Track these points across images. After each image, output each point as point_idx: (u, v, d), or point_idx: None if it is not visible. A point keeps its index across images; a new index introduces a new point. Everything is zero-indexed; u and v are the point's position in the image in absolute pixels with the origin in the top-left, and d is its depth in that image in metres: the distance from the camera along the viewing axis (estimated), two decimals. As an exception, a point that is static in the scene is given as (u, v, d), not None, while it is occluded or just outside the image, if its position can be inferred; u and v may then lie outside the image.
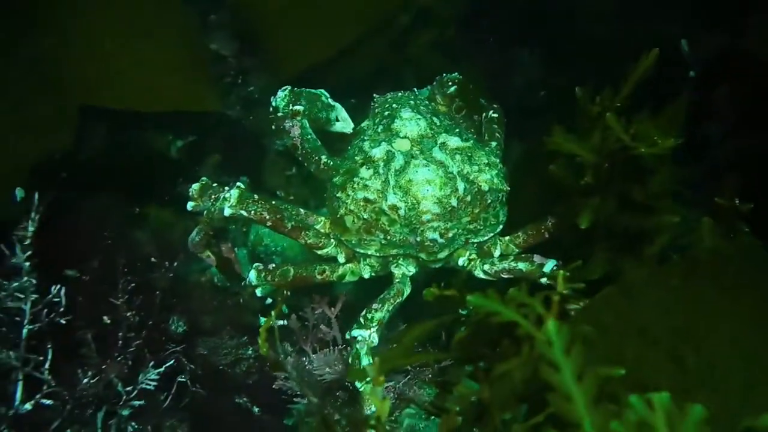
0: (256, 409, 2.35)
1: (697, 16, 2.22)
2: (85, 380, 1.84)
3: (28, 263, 1.85)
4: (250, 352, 2.42)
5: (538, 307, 1.10)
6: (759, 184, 1.72)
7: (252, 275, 2.19)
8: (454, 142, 2.13)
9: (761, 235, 1.60)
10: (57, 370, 1.86)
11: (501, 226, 2.23)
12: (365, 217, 2.11)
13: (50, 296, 1.84)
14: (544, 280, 2.05)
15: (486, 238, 2.20)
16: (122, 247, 1.99)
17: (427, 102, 2.29)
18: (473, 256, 2.22)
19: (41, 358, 1.86)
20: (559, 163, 1.79)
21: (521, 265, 2.14)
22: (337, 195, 2.16)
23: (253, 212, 2.15)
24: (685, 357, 1.32)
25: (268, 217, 2.16)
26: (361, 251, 2.21)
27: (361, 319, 2.09)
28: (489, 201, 2.13)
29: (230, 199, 2.14)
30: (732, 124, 1.92)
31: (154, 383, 2.06)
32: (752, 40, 1.98)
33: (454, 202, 2.07)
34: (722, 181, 1.66)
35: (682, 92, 1.90)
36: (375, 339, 2.07)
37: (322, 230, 2.25)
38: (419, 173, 2.06)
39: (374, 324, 2.08)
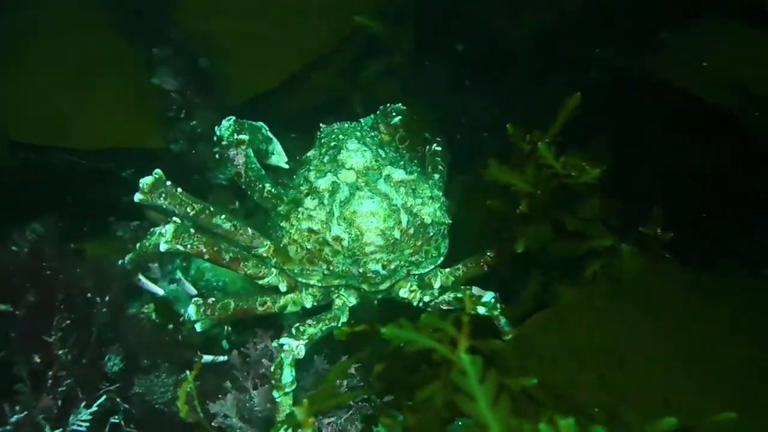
0: (193, 452, 2.26)
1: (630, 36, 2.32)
2: (14, 418, 1.75)
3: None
4: (188, 389, 2.34)
5: (451, 329, 1.12)
6: (681, 214, 1.81)
7: (191, 310, 2.17)
8: (398, 174, 2.17)
9: (683, 259, 1.69)
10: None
11: (442, 258, 2.27)
12: (309, 247, 2.13)
13: None
14: (482, 310, 2.08)
15: (427, 270, 2.23)
16: (60, 281, 1.92)
17: (373, 134, 2.34)
18: (414, 287, 2.24)
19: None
20: (496, 197, 1.85)
21: (460, 296, 2.17)
22: (281, 224, 2.17)
23: (189, 246, 2.15)
24: (609, 374, 1.35)
25: (205, 250, 2.16)
26: (304, 281, 2.22)
27: (293, 330, 2.10)
28: (431, 234, 2.17)
29: (165, 234, 2.13)
30: (654, 153, 2.02)
31: (86, 424, 1.98)
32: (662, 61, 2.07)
33: (397, 234, 2.10)
34: (648, 212, 1.75)
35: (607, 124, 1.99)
36: (302, 352, 2.07)
37: (266, 255, 2.25)
38: (364, 205, 2.09)
39: (305, 337, 2.09)
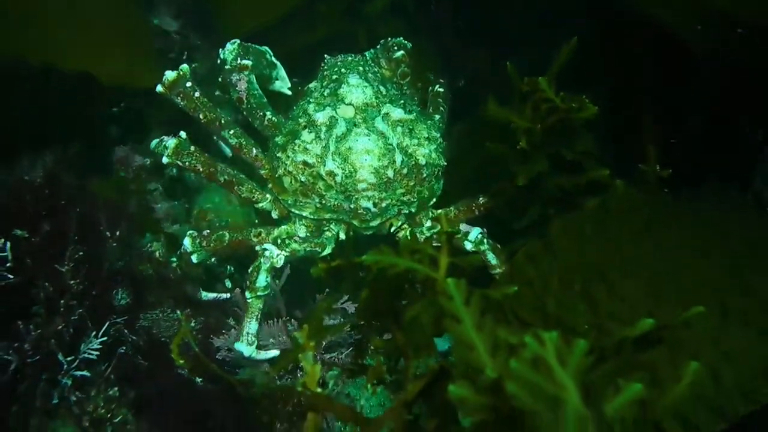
0: (198, 380, 2.36)
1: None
2: (27, 344, 1.83)
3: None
4: (192, 324, 2.43)
5: (430, 249, 1.19)
6: (675, 152, 1.87)
7: (186, 242, 2.24)
8: (397, 113, 2.20)
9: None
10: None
11: (434, 200, 2.31)
12: (302, 179, 2.18)
13: None
14: (469, 246, 2.14)
15: (418, 210, 2.28)
16: (74, 213, 1.95)
17: (376, 69, 2.35)
18: (404, 226, 2.30)
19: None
20: (495, 140, 1.90)
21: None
22: (278, 155, 2.22)
23: (187, 163, 2.24)
24: (598, 295, 1.43)
25: (201, 168, 2.25)
26: (296, 212, 2.27)
27: (279, 240, 2.20)
28: (425, 175, 2.20)
29: (168, 148, 2.22)
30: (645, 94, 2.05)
31: (96, 353, 2.06)
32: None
33: (390, 173, 2.14)
34: (641, 151, 1.81)
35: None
36: (281, 261, 2.17)
37: (266, 176, 2.32)
38: (359, 142, 2.13)
39: (287, 250, 2.18)
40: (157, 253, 2.48)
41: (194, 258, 2.25)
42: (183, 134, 2.28)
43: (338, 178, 2.13)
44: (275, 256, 2.16)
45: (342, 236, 2.30)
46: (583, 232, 1.58)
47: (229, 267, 2.64)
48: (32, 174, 2.00)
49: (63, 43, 2.29)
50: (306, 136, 2.17)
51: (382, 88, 2.26)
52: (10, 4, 2.26)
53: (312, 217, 2.27)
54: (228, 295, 2.43)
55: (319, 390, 1.21)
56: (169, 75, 2.29)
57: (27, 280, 1.85)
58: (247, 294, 2.15)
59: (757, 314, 1.37)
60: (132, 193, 2.50)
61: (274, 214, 2.34)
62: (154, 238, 2.53)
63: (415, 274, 1.19)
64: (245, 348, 2.15)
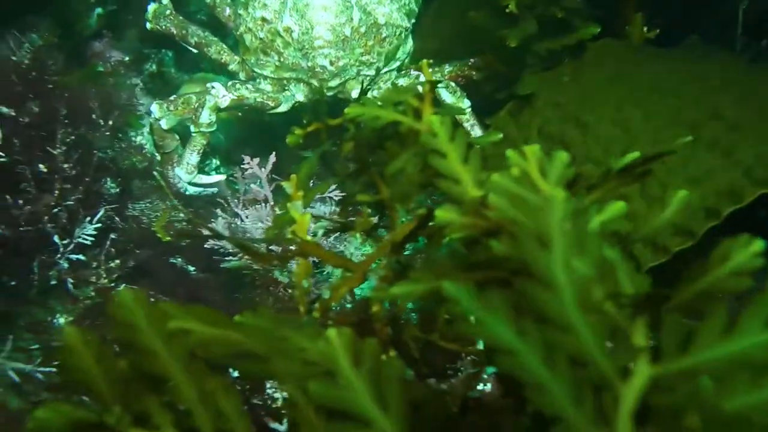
0: (191, 269, 2.45)
1: None
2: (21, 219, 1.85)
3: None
4: (182, 215, 2.49)
5: (413, 101, 1.23)
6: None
7: (154, 108, 2.26)
8: None
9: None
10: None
11: (398, 63, 2.32)
12: (261, 36, 2.20)
13: None
14: (448, 97, 2.20)
15: (379, 72, 2.29)
16: (64, 97, 1.93)
17: None
18: (368, 89, 2.32)
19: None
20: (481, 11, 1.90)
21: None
22: (239, 12, 2.25)
23: (163, 27, 2.33)
24: (572, 141, 1.50)
25: (175, 32, 2.34)
26: (258, 71, 2.30)
27: (229, 82, 2.25)
28: (384, 35, 2.20)
29: (147, 14, 2.34)
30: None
31: (91, 238, 2.12)
32: None
33: (347, 31, 2.14)
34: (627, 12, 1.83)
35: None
36: (225, 102, 2.23)
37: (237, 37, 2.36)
38: None
39: (236, 93, 2.24)
40: (147, 145, 2.51)
41: (164, 123, 2.28)
42: (166, 0, 2.36)
43: (295, 35, 2.14)
44: (221, 96, 2.23)
45: (300, 98, 2.34)
46: (560, 83, 1.63)
47: (214, 160, 2.68)
48: (19, 55, 1.98)
49: None
50: None
51: None
52: None
53: (273, 76, 2.30)
54: (222, 177, 2.48)
55: (308, 238, 1.27)
56: (150, 8, 2.38)
57: (17, 160, 1.85)
58: (192, 128, 2.24)
59: (724, 136, 1.44)
60: (118, 86, 2.50)
61: (242, 76, 2.39)
62: (139, 132, 2.56)
63: (398, 125, 1.23)
64: (184, 174, 2.31)
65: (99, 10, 2.63)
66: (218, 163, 2.68)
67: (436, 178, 1.24)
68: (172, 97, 2.29)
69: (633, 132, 1.50)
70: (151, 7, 2.34)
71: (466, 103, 2.19)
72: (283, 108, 2.34)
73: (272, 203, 2.38)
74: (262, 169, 2.40)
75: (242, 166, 2.40)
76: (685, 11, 1.95)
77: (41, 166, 1.88)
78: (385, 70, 2.30)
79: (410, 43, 2.34)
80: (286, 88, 2.32)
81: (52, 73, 1.94)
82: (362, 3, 2.15)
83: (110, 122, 2.10)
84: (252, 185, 2.41)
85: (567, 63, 1.74)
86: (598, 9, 1.86)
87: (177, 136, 2.36)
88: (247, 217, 2.37)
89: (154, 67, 2.74)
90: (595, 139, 1.51)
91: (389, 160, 1.41)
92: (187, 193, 2.42)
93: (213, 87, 2.22)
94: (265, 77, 2.31)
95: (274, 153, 2.36)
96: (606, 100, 1.56)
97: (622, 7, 1.91)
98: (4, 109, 1.84)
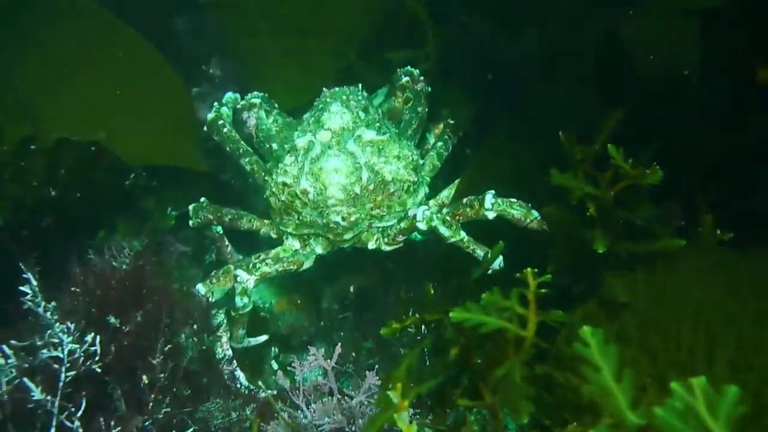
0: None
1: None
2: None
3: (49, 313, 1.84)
4: (247, 411, 2.41)
5: (519, 309, 1.23)
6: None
7: (199, 288, 2.41)
8: (368, 135, 2.38)
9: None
10: (89, 421, 1.83)
11: (406, 211, 2.43)
12: (283, 198, 2.38)
13: (87, 344, 1.83)
14: (491, 215, 2.24)
15: (390, 224, 2.43)
16: (163, 303, 1.98)
17: (361, 97, 2.50)
18: (384, 240, 2.44)
19: (73, 407, 1.81)
20: (553, 206, 1.97)
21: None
22: (266, 178, 2.45)
23: (203, 217, 2.53)
24: (654, 346, 1.46)
25: (212, 217, 2.53)
26: (283, 229, 2.47)
27: (249, 264, 2.40)
28: (392, 190, 2.36)
29: (190, 212, 2.55)
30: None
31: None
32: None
33: (357, 189, 2.31)
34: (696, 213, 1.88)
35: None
36: (251, 284, 2.36)
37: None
38: (329, 162, 2.31)
39: (257, 273, 2.38)
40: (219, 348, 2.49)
41: (191, 223, 2.52)
42: (203, 199, 2.57)
43: (311, 196, 2.32)
44: (245, 281, 2.36)
45: (320, 251, 2.47)
46: (638, 287, 1.63)
47: (273, 348, 2.67)
48: (119, 260, 2.04)
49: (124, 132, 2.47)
50: (287, 159, 2.37)
51: (361, 114, 2.42)
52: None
53: (295, 232, 2.45)
54: (265, 337, 2.59)
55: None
56: (209, 116, 2.64)
57: (114, 372, 1.85)
58: (232, 312, 2.41)
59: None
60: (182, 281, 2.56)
61: (273, 235, 2.54)
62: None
63: (504, 332, 1.23)
64: (236, 344, 2.48)
65: (174, 212, 2.81)
66: (277, 350, 2.66)
67: (544, 388, 1.21)
68: (213, 272, 2.45)
69: (715, 336, 1.47)
70: (192, 206, 2.55)
71: (461, 235, 2.26)
72: (307, 265, 2.48)
73: (339, 396, 2.32)
74: (328, 360, 2.37)
75: (308, 357, 2.38)
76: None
77: (144, 377, 1.87)
78: (394, 221, 2.42)
79: (422, 192, 2.47)
80: (307, 243, 2.47)
81: (149, 278, 1.99)
82: (370, 163, 2.33)
83: (195, 327, 2.12)
84: (317, 377, 2.37)
85: (643, 267, 1.76)
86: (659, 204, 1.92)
87: (223, 314, 2.48)
88: (312, 411, 2.29)
89: (213, 256, 2.81)
90: (677, 344, 1.49)
91: (492, 364, 1.38)
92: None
93: (237, 275, 2.37)
94: (289, 234, 2.47)
95: (339, 344, 2.34)
96: (685, 304, 1.56)
97: (693, 210, 1.96)
98: (112, 319, 1.87)
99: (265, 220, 2.55)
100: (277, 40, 2.82)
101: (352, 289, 2.80)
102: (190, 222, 2.56)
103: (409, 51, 2.71)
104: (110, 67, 2.68)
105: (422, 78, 2.62)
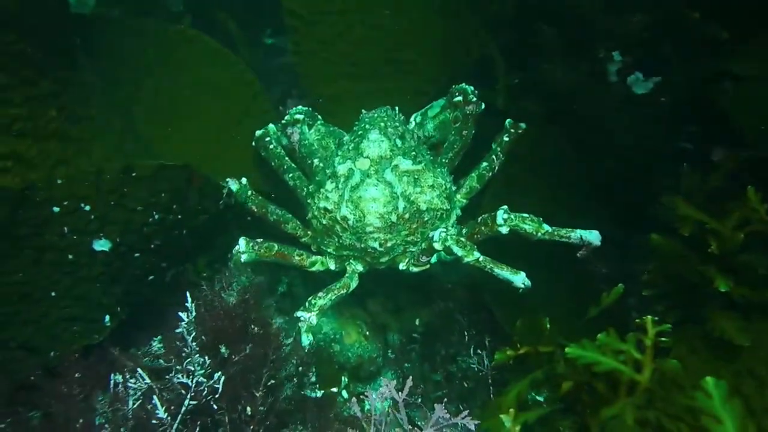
0: None
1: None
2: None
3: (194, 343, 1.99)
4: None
5: (635, 353, 1.32)
6: None
7: (241, 242, 2.55)
8: (405, 165, 2.56)
9: None
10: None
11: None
12: (324, 222, 2.57)
13: (212, 381, 1.95)
14: (504, 230, 2.40)
15: (424, 247, 2.56)
16: (268, 338, 2.10)
17: (398, 123, 2.67)
18: (411, 262, 2.59)
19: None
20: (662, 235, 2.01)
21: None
22: (308, 201, 2.64)
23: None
24: (750, 392, 1.50)
25: (255, 210, 2.71)
26: (324, 248, 2.66)
27: (306, 303, 2.50)
28: (426, 219, 2.55)
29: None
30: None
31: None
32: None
33: (394, 218, 2.50)
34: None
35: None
36: (313, 320, 2.48)
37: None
38: (368, 191, 2.51)
39: (315, 309, 2.50)
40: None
41: (244, 257, 2.56)
42: (244, 180, 2.74)
43: (350, 222, 2.50)
44: (307, 319, 2.49)
45: (361, 269, 2.63)
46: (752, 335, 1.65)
47: (343, 378, 2.79)
48: (228, 293, 2.21)
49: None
50: (329, 185, 2.56)
51: (398, 142, 2.59)
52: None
53: (335, 253, 2.63)
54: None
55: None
56: (257, 133, 2.86)
57: (225, 401, 1.94)
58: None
59: None
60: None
61: (314, 248, 2.71)
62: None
63: (618, 374, 1.30)
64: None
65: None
66: (346, 380, 2.78)
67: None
68: (259, 240, 2.59)
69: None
70: (234, 184, 2.72)
71: (475, 255, 2.35)
72: (354, 285, 2.62)
73: (409, 427, 2.43)
74: (399, 393, 2.49)
75: (380, 387, 2.50)
76: None
77: (248, 408, 1.98)
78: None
79: (454, 216, 2.64)
80: (346, 262, 2.64)
81: (254, 311, 2.13)
82: (406, 194, 2.51)
83: (300, 369, 2.26)
84: (388, 407, 2.48)
85: (760, 316, 1.77)
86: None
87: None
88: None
89: (285, 287, 2.95)
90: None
91: (603, 402, 1.46)
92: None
93: (299, 317, 2.47)
94: (329, 253, 2.65)
95: (410, 378, 2.46)
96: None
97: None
98: (223, 349, 2.00)
99: (309, 231, 2.71)
100: (354, 83, 2.99)
101: (417, 322, 2.93)
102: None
103: (483, 90, 2.82)
104: (217, 99, 2.93)
105: (474, 99, 2.74)
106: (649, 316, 1.37)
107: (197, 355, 1.95)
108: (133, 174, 2.36)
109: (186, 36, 2.98)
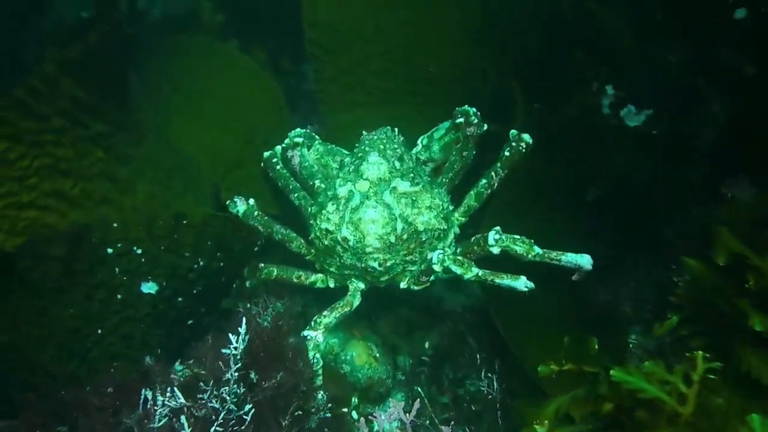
0: None
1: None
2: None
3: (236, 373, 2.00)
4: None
5: (681, 385, 1.34)
6: None
7: (246, 272, 2.74)
8: (403, 186, 2.69)
9: None
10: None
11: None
12: (326, 243, 2.69)
13: (242, 412, 1.97)
14: (496, 250, 2.50)
15: (423, 268, 2.71)
16: (300, 367, 2.10)
17: (397, 145, 2.78)
18: (412, 281, 2.72)
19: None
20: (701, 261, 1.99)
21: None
22: (310, 222, 2.76)
23: (254, 223, 2.82)
24: None
25: (261, 229, 2.83)
26: (326, 268, 2.78)
27: (312, 322, 2.61)
28: (424, 239, 2.67)
29: (239, 209, 2.85)
30: None
31: None
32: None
33: (392, 239, 2.63)
34: None
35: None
36: (320, 338, 2.59)
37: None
38: (368, 213, 2.63)
39: (321, 327, 2.61)
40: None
41: (248, 283, 2.74)
42: (251, 201, 2.91)
43: (351, 243, 2.62)
44: (314, 337, 2.59)
45: (363, 287, 2.75)
46: None
47: (353, 399, 2.84)
48: (263, 316, 2.28)
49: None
50: (330, 207, 2.68)
51: (397, 164, 2.71)
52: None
53: (337, 272, 2.76)
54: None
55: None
56: (265, 154, 3.03)
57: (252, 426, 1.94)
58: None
59: None
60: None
61: (317, 266, 2.83)
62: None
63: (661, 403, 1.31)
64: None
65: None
66: (356, 401, 2.82)
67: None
68: (260, 265, 2.78)
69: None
70: (242, 208, 2.88)
71: (474, 271, 2.49)
72: (357, 303, 2.74)
73: (418, 449, 2.48)
74: (407, 414, 2.53)
75: (388, 409, 2.56)
76: None
77: None
78: (423, 266, 2.68)
79: (452, 235, 2.75)
80: (347, 280, 2.77)
81: (285, 335, 2.19)
82: (404, 215, 2.63)
83: (330, 405, 2.27)
84: (396, 428, 2.53)
85: None
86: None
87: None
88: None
89: (299, 308, 3.02)
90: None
91: (643, 429, 1.47)
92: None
93: (306, 336, 2.56)
94: (331, 272, 2.78)
95: (418, 400, 2.51)
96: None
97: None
98: (252, 375, 2.02)
99: (312, 249, 2.82)
100: (372, 111, 3.11)
101: (427, 345, 2.97)
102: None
103: (497, 125, 2.94)
104: (248, 118, 3.13)
105: (476, 120, 2.83)
106: (700, 352, 1.38)
107: (234, 384, 1.96)
108: (184, 222, 2.42)
109: (233, 57, 3.19)
